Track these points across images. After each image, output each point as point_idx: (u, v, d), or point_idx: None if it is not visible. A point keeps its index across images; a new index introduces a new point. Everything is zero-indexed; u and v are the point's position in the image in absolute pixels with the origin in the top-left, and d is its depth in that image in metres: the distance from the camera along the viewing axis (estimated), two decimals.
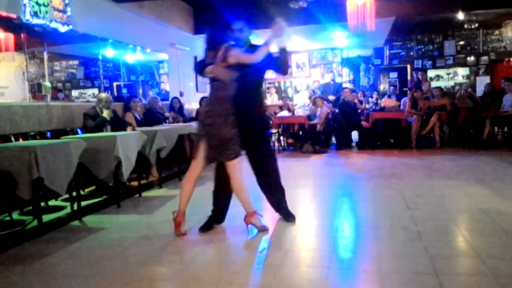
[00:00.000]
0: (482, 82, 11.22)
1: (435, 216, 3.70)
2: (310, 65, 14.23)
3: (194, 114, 8.90)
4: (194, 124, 6.58)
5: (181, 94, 8.86)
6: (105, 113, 5.33)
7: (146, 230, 3.70)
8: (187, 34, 9.45)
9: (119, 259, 2.98)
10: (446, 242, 3.05)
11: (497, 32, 11.91)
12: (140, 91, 8.44)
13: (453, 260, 2.74)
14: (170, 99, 8.38)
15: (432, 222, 3.51)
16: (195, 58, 10.03)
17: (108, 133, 4.94)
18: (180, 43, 9.12)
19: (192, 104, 9.42)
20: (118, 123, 5.48)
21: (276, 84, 14.80)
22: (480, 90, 10.97)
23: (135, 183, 5.22)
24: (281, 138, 9.91)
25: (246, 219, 3.41)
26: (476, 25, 11.52)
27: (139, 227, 3.83)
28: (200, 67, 3.39)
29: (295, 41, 12.19)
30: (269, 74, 14.19)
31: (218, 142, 3.25)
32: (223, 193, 3.55)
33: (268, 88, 14.58)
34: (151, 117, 6.74)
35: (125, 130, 5.24)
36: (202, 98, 8.98)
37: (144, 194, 5.15)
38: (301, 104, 11.62)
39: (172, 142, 5.74)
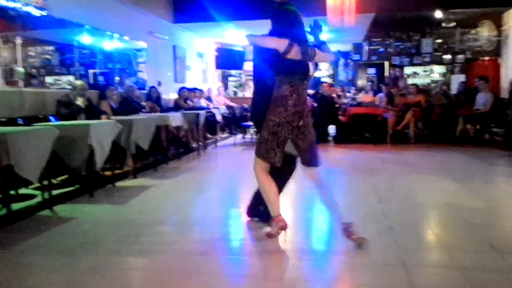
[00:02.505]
0: (457, 80, 11.45)
1: (406, 210, 3.78)
2: None
3: (172, 104, 8.80)
4: (171, 115, 6.52)
5: (159, 84, 8.75)
6: (80, 101, 5.22)
7: (119, 220, 3.66)
8: (166, 22, 9.32)
9: (90, 249, 2.93)
10: (415, 236, 3.13)
11: (473, 31, 12.15)
12: (117, 79, 8.29)
13: (421, 252, 2.81)
14: (147, 88, 8.27)
15: (403, 216, 3.58)
16: (174, 47, 9.93)
17: (82, 121, 4.84)
18: (159, 31, 9.00)
19: (170, 94, 9.31)
20: (93, 112, 5.38)
21: None
22: (455, 88, 11.20)
23: (109, 173, 5.14)
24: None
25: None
26: (453, 24, 11.74)
27: (112, 217, 3.78)
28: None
29: None
30: (250, 67, 14.11)
31: (309, 144, 2.98)
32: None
33: (247, 81, 14.56)
34: (128, 106, 6.63)
35: (99, 118, 5.15)
36: (181, 89, 8.90)
37: (118, 184, 5.08)
38: None
39: (150, 132, 5.67)
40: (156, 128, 5.97)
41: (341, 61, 14.51)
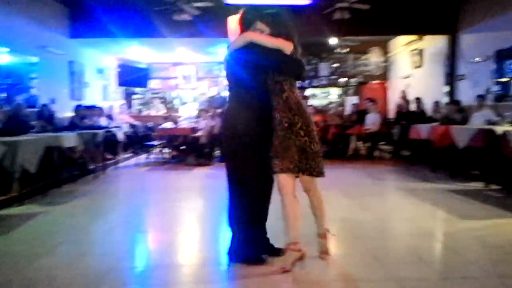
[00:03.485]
0: (351, 101, 12.40)
1: (301, 225, 3.93)
2: (197, 78, 14.31)
3: (68, 123, 8.24)
4: (64, 134, 6.11)
5: (53, 101, 8.18)
6: None
7: None
8: (62, 37, 8.81)
9: None
10: (308, 251, 3.24)
11: (364, 57, 13.32)
12: (5, 96, 7.58)
13: (310, 267, 2.91)
14: (39, 106, 7.68)
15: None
16: (70, 63, 9.39)
17: None
18: (53, 46, 8.45)
19: (65, 113, 8.73)
20: None
21: (162, 95, 14.56)
22: (349, 109, 12.09)
23: None
24: (165, 150, 9.72)
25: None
26: (347, 50, 12.76)
27: None
28: None
29: (182, 52, 12.16)
30: (155, 84, 13.86)
31: None
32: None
33: (153, 98, 14.28)
34: (15, 125, 6.07)
35: None
36: (78, 106, 8.39)
37: (1, 212, 4.59)
38: (186, 116, 11.58)
39: (38, 153, 5.23)
40: (48, 149, 5.54)
41: None
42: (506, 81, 7.69)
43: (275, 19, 2.91)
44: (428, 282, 2.63)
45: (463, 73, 8.85)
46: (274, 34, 2.85)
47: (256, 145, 2.82)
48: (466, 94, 8.58)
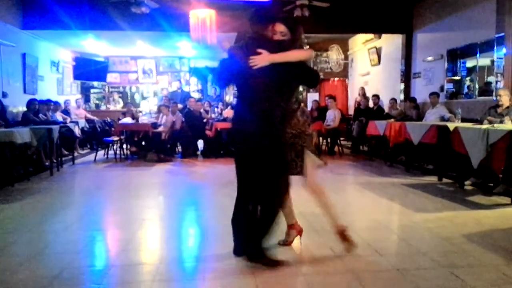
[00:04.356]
0: (312, 98, 12.58)
1: None
2: (157, 72, 14.08)
3: (21, 118, 7.90)
4: (16, 130, 5.84)
5: (4, 95, 7.80)
6: None
7: None
8: (12, 28, 8.40)
9: None
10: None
11: (324, 54, 13.52)
12: None
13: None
14: None
15: None
16: (23, 55, 8.99)
17: None
18: (4, 37, 8.05)
19: (18, 107, 8.36)
20: None
21: (121, 90, 14.23)
22: (310, 106, 12.26)
23: None
24: (124, 146, 9.50)
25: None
26: (307, 47, 12.88)
27: None
28: None
29: (141, 46, 11.91)
30: (113, 78, 13.51)
31: None
32: None
33: (111, 93, 13.92)
34: None
35: None
36: (31, 101, 8.05)
37: None
38: (146, 111, 11.38)
39: None
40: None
41: (209, 76, 14.81)
42: (458, 80, 8.04)
43: (297, 25, 2.97)
44: (383, 274, 2.71)
45: (419, 71, 9.17)
46: (291, 40, 2.90)
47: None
48: (421, 91, 8.90)
